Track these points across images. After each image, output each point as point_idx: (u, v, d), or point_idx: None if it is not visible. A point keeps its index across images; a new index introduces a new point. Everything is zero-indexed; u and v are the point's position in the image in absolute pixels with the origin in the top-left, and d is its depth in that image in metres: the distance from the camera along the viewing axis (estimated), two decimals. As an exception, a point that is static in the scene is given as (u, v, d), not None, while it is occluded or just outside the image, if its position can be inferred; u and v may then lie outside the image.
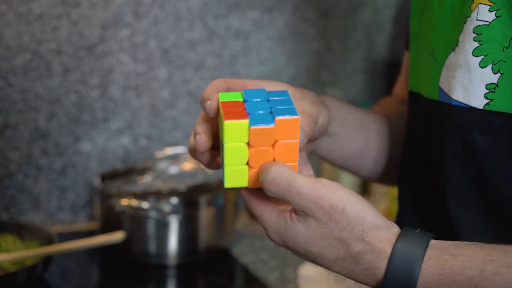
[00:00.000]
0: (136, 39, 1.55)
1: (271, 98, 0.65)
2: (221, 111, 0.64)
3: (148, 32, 1.56)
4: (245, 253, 1.45)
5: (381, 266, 0.62)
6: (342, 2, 1.75)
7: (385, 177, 0.96)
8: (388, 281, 0.61)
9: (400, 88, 1.05)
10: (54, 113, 1.51)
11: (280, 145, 0.63)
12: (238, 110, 0.63)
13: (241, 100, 0.66)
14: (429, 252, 0.62)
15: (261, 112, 0.63)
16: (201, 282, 1.40)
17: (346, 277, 0.64)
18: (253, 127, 0.62)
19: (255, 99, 0.65)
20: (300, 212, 0.63)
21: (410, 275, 0.61)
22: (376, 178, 0.98)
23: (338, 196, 0.62)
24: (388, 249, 0.62)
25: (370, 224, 0.63)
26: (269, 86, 0.75)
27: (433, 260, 0.61)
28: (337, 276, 1.26)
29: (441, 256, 0.62)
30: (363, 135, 0.91)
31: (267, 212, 0.65)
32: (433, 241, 0.63)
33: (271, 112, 0.63)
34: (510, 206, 0.70)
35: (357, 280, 0.64)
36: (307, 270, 1.28)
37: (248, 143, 0.63)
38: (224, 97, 0.67)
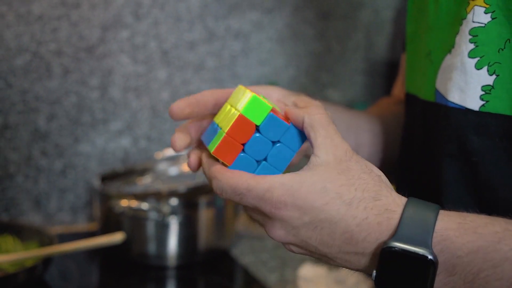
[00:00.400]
0: (136, 40, 1.55)
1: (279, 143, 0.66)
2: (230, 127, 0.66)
3: (148, 33, 1.56)
4: (245, 254, 1.45)
5: (397, 210, 0.60)
6: (342, 3, 1.75)
7: None
8: (403, 225, 0.58)
9: (398, 89, 1.06)
10: (54, 114, 1.51)
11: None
12: (235, 144, 0.65)
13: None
14: (444, 211, 0.61)
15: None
16: (201, 283, 1.40)
17: (351, 241, 0.60)
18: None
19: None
20: (319, 152, 0.62)
21: (427, 219, 0.58)
22: None
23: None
24: (402, 199, 0.61)
25: (385, 176, 0.63)
26: (263, 91, 0.77)
27: (451, 215, 0.60)
28: (337, 277, 1.26)
29: (460, 213, 0.60)
30: (353, 134, 0.91)
31: (271, 176, 0.62)
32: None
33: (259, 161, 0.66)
34: (506, 208, 0.70)
35: (364, 240, 0.59)
36: (307, 271, 1.29)
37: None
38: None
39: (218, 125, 0.69)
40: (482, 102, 0.69)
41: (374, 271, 0.59)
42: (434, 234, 0.58)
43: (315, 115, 0.64)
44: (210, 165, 0.67)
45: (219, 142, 0.65)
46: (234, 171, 0.64)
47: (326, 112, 0.65)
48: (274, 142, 0.66)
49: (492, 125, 0.68)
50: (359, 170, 0.62)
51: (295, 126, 0.66)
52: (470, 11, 0.69)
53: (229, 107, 0.70)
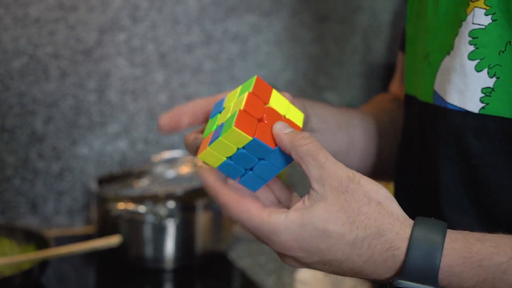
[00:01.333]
0: (133, 43, 1.55)
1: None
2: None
3: (146, 36, 1.56)
4: (242, 257, 1.45)
5: (402, 246, 0.60)
6: (340, 7, 1.75)
7: (376, 174, 0.95)
8: (409, 264, 0.59)
9: (395, 86, 1.06)
10: (51, 117, 1.51)
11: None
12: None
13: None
14: (452, 234, 0.60)
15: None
16: (198, 286, 1.39)
17: (361, 274, 0.61)
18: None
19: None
20: (315, 186, 0.62)
21: (433, 257, 0.58)
22: (366, 175, 0.97)
23: (352, 171, 0.63)
24: (407, 230, 0.60)
25: (384, 196, 0.62)
26: None
27: (457, 243, 0.60)
28: (335, 279, 1.26)
29: (467, 239, 0.60)
30: (345, 131, 0.90)
31: (275, 214, 0.62)
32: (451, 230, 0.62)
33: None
34: (504, 211, 0.70)
35: (373, 274, 0.61)
36: (304, 274, 1.28)
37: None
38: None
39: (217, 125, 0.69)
40: (482, 105, 0.68)
41: None
42: (440, 271, 0.59)
43: (302, 147, 0.63)
44: (219, 190, 0.66)
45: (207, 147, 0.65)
46: (241, 200, 0.63)
47: (312, 139, 0.64)
48: (260, 158, 0.65)
49: (491, 128, 0.68)
50: (358, 203, 0.61)
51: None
52: (470, 12, 0.68)
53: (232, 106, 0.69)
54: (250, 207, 0.62)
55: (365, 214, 0.61)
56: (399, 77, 1.03)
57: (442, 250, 0.59)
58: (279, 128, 0.65)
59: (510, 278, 0.58)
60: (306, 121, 0.80)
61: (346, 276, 0.63)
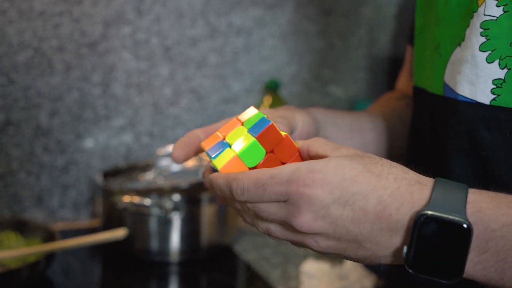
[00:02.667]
0: (138, 37, 1.55)
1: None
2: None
3: (150, 29, 1.56)
4: (248, 250, 1.45)
5: (428, 184, 0.58)
6: (344, 0, 1.75)
7: None
8: (437, 196, 0.56)
9: (403, 82, 1.06)
10: (56, 110, 1.51)
11: (278, 149, 0.66)
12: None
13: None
14: (475, 189, 0.59)
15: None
16: (203, 280, 1.39)
17: (385, 212, 0.57)
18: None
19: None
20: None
21: (460, 191, 0.57)
22: None
23: None
24: (429, 178, 0.60)
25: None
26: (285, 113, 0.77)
27: (482, 191, 0.58)
28: (340, 273, 1.26)
29: (491, 192, 0.59)
30: (358, 135, 0.91)
31: (292, 164, 0.60)
32: None
33: None
34: None
35: (398, 211, 0.57)
36: (310, 267, 1.28)
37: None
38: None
39: (227, 142, 0.69)
40: (493, 96, 0.68)
41: (405, 247, 0.57)
42: (468, 205, 0.56)
43: (315, 144, 0.64)
44: (221, 176, 0.65)
45: (227, 160, 0.65)
46: (250, 170, 0.62)
47: (325, 140, 0.65)
48: None
49: (503, 119, 0.68)
50: (377, 157, 0.61)
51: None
52: (481, 4, 0.68)
53: (241, 127, 0.69)
54: (270, 168, 0.61)
55: (387, 161, 0.60)
56: (407, 71, 1.03)
57: (467, 189, 0.58)
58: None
59: None
60: (320, 130, 0.81)
61: (363, 230, 0.58)
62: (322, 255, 0.61)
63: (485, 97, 0.69)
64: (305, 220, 0.58)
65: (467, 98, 0.71)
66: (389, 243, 0.58)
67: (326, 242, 0.60)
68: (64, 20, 1.48)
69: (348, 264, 1.28)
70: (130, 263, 1.37)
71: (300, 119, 0.77)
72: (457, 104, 0.72)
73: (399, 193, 0.57)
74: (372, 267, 1.30)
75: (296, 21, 1.70)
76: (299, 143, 0.66)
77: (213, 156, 0.68)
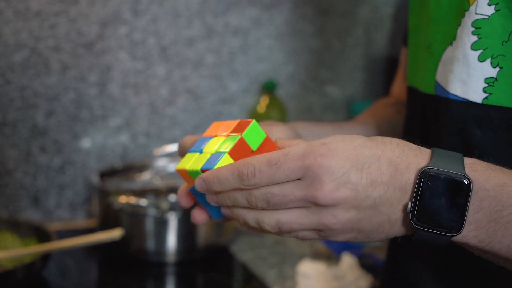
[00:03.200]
0: (134, 37, 1.55)
1: None
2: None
3: (147, 29, 1.56)
4: (244, 251, 1.45)
5: (426, 149, 0.62)
6: (341, 0, 1.75)
7: None
8: (437, 158, 0.60)
9: (397, 86, 1.05)
10: (53, 110, 1.51)
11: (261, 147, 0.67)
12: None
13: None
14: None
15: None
16: (200, 280, 1.39)
17: (398, 170, 0.59)
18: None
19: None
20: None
21: (456, 155, 0.61)
22: None
23: None
24: (428, 150, 0.62)
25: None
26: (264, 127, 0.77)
27: (476, 160, 0.62)
28: (336, 273, 1.25)
29: (483, 161, 0.62)
30: None
31: (300, 142, 0.63)
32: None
33: None
34: None
35: (407, 168, 0.59)
36: (306, 267, 1.28)
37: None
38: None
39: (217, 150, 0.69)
40: (485, 95, 0.68)
41: (410, 203, 0.59)
42: (465, 166, 0.60)
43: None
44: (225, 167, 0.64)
45: (234, 143, 0.66)
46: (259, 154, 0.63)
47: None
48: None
49: (495, 118, 0.68)
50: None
51: None
52: (473, 3, 0.68)
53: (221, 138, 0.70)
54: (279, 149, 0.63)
55: (385, 137, 0.62)
56: (402, 74, 1.03)
57: (463, 155, 0.61)
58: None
59: None
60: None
61: (379, 191, 0.59)
62: (335, 236, 0.60)
63: (477, 96, 0.69)
64: (328, 189, 0.58)
65: (458, 97, 0.71)
66: (400, 203, 0.60)
67: (345, 214, 0.59)
68: (61, 20, 1.48)
69: (344, 264, 1.28)
70: (126, 264, 1.37)
71: (277, 133, 0.77)
72: (449, 103, 0.72)
73: (405, 154, 0.60)
74: (368, 267, 1.30)
75: (293, 21, 1.70)
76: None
77: (201, 148, 0.68)
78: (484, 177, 0.59)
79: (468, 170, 0.59)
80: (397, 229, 0.61)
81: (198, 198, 0.70)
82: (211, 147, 0.69)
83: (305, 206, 0.60)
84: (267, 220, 0.61)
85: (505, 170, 0.60)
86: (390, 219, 0.60)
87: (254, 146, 0.66)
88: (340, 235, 0.61)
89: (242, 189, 0.61)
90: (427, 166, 0.59)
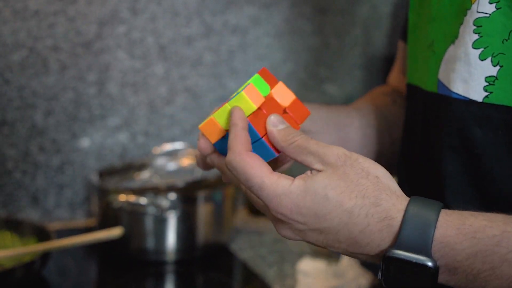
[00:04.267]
0: (133, 36, 1.55)
1: None
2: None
3: (145, 28, 1.56)
4: (244, 249, 1.45)
5: (397, 217, 0.61)
6: (340, -2, 1.75)
7: None
8: (403, 235, 0.59)
9: (394, 77, 1.06)
10: (51, 110, 1.51)
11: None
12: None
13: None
14: (446, 210, 0.61)
15: None
16: (199, 278, 1.39)
17: (355, 245, 0.62)
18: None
19: None
20: (316, 166, 0.63)
21: (427, 228, 0.59)
22: None
23: (349, 151, 0.65)
24: (403, 203, 0.61)
25: (383, 174, 0.63)
26: None
27: (451, 216, 0.61)
28: (336, 271, 1.26)
29: (460, 214, 0.61)
30: (334, 130, 0.91)
31: (284, 178, 0.63)
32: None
33: None
34: (507, 200, 0.70)
35: (367, 246, 0.61)
36: (306, 265, 1.28)
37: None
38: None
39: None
40: (486, 93, 0.68)
41: (380, 272, 0.61)
42: (434, 242, 0.60)
43: (293, 143, 0.66)
44: (234, 140, 0.67)
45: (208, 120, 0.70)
46: (253, 157, 0.64)
47: (302, 134, 0.66)
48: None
49: (495, 117, 0.68)
50: (356, 176, 0.62)
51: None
52: (474, 1, 0.68)
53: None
54: (264, 166, 0.64)
55: (363, 185, 0.62)
56: (399, 66, 1.03)
57: (436, 222, 0.60)
58: (273, 122, 0.67)
59: (503, 251, 0.58)
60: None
61: (339, 248, 0.63)
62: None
63: (478, 94, 0.69)
64: (285, 233, 0.65)
65: (460, 95, 0.71)
66: (365, 259, 0.64)
67: (309, 242, 0.66)
68: (59, 20, 1.48)
69: (344, 262, 1.28)
70: (126, 262, 1.37)
71: None
72: (450, 101, 0.72)
73: (368, 230, 0.61)
74: (368, 265, 1.30)
75: (292, 19, 1.70)
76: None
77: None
78: (456, 251, 0.60)
79: (438, 246, 0.59)
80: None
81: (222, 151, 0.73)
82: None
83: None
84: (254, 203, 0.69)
85: (479, 231, 0.60)
86: (357, 257, 0.65)
87: (263, 92, 0.71)
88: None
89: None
90: (391, 250, 0.60)
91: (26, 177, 1.51)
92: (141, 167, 1.53)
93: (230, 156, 0.64)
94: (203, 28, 1.61)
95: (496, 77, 0.67)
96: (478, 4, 0.68)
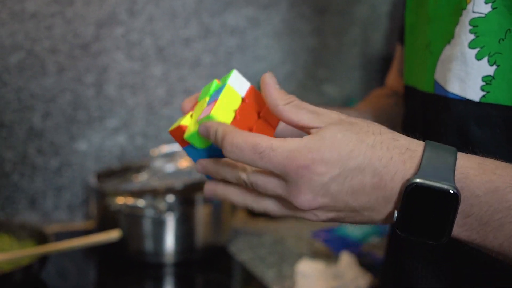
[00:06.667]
0: (131, 37, 1.55)
1: None
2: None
3: (143, 30, 1.55)
4: (243, 251, 1.45)
5: (418, 149, 0.60)
6: (338, -2, 1.75)
7: None
8: (426, 163, 0.58)
9: (392, 79, 1.06)
10: (49, 112, 1.51)
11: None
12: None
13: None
14: (462, 153, 0.61)
15: None
16: (198, 280, 1.39)
17: (381, 182, 0.59)
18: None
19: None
20: (316, 123, 0.62)
21: (448, 157, 0.59)
22: None
23: None
24: (420, 141, 0.61)
25: (385, 126, 0.63)
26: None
27: (470, 156, 0.60)
28: (335, 272, 1.25)
29: (478, 157, 0.60)
30: None
31: (292, 139, 0.60)
32: None
33: None
34: None
35: (392, 180, 0.59)
36: (305, 266, 1.28)
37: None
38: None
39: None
40: (483, 93, 0.68)
41: (396, 212, 0.59)
42: (456, 172, 0.58)
43: (291, 102, 0.64)
44: (221, 124, 0.64)
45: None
46: (250, 132, 0.62)
47: (293, 96, 0.65)
48: None
49: (493, 116, 0.68)
50: (364, 123, 0.61)
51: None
52: (470, 1, 0.68)
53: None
54: (262, 134, 0.61)
55: (375, 125, 0.61)
56: (397, 69, 1.03)
57: (456, 154, 0.59)
58: (269, 82, 0.66)
59: None
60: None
61: (361, 201, 0.60)
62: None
63: (475, 94, 0.69)
64: (306, 199, 0.59)
65: (457, 95, 0.71)
66: (384, 209, 0.60)
67: (326, 214, 0.62)
68: (57, 21, 1.48)
69: (343, 263, 1.28)
70: (124, 265, 1.37)
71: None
72: (448, 101, 0.72)
73: (392, 162, 0.59)
74: (367, 266, 1.30)
75: (290, 20, 1.70)
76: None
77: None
78: (476, 183, 0.58)
79: (459, 176, 0.58)
80: (382, 223, 0.62)
81: (192, 156, 0.71)
82: (200, 107, 0.70)
83: (289, 200, 0.61)
84: (255, 206, 0.65)
85: (499, 168, 0.59)
86: (374, 219, 0.62)
87: (241, 92, 0.69)
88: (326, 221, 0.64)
89: (231, 167, 0.64)
90: (414, 179, 0.58)
91: (24, 179, 1.51)
92: (139, 169, 1.52)
93: (228, 138, 0.61)
94: (201, 29, 1.61)
95: (493, 77, 0.67)
96: (473, 4, 0.68)
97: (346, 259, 1.28)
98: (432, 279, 0.82)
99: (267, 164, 0.59)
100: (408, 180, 0.58)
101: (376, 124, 0.62)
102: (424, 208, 0.58)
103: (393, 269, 0.91)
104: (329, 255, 1.40)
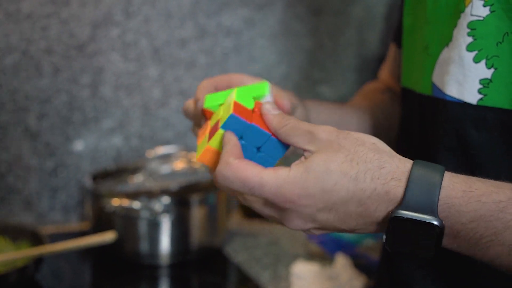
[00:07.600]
0: (126, 38, 1.54)
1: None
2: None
3: (139, 30, 1.55)
4: (238, 252, 1.44)
5: (402, 178, 0.60)
6: None
7: None
8: (409, 195, 0.59)
9: (385, 73, 1.07)
10: (45, 113, 1.50)
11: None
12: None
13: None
14: (451, 173, 0.61)
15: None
16: (193, 282, 1.39)
17: (366, 213, 0.61)
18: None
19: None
20: (307, 147, 0.63)
21: (432, 187, 0.59)
22: None
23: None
24: (407, 165, 0.61)
25: (378, 141, 0.63)
26: (251, 81, 0.83)
27: (457, 178, 0.60)
28: (330, 274, 1.25)
29: (467, 178, 0.61)
30: (339, 127, 0.92)
31: (280, 169, 0.62)
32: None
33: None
34: None
35: (375, 211, 0.60)
36: (300, 268, 1.28)
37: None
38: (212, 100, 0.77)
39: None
40: (480, 96, 0.68)
41: (384, 235, 0.61)
42: (439, 202, 0.59)
43: (286, 125, 0.66)
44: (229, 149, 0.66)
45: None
46: (241, 162, 0.63)
47: (293, 118, 0.66)
48: (257, 148, 0.68)
49: (490, 119, 0.68)
50: (353, 145, 0.62)
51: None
52: (468, 4, 0.68)
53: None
54: (255, 165, 0.63)
55: (362, 151, 0.61)
56: (389, 67, 1.05)
57: (441, 182, 0.60)
58: (267, 109, 0.68)
59: (507, 217, 0.58)
60: (302, 119, 0.81)
61: (350, 224, 0.62)
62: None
63: (472, 97, 0.69)
64: (296, 224, 0.63)
65: (454, 98, 0.71)
66: (374, 228, 0.63)
67: (320, 232, 0.65)
68: (52, 22, 1.47)
69: (338, 265, 1.28)
70: (119, 266, 1.36)
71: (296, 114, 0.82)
72: (445, 104, 0.72)
73: (376, 194, 0.60)
74: (362, 267, 1.30)
75: (286, 21, 1.70)
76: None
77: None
78: (460, 212, 0.59)
79: (443, 206, 0.59)
80: (376, 233, 0.65)
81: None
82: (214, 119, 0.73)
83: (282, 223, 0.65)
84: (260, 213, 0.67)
85: (484, 194, 0.60)
86: (365, 232, 0.64)
87: (250, 105, 0.70)
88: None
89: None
90: (398, 210, 0.59)
91: (19, 181, 1.51)
92: (135, 170, 1.52)
93: (218, 167, 0.63)
94: (197, 30, 1.61)
95: (490, 80, 0.67)
96: (472, 7, 0.68)
97: (341, 260, 1.28)
98: (427, 281, 0.82)
99: (258, 197, 0.63)
100: (392, 211, 0.60)
101: (365, 146, 0.62)
102: (410, 234, 0.60)
103: (388, 270, 0.91)
104: (324, 256, 1.40)
